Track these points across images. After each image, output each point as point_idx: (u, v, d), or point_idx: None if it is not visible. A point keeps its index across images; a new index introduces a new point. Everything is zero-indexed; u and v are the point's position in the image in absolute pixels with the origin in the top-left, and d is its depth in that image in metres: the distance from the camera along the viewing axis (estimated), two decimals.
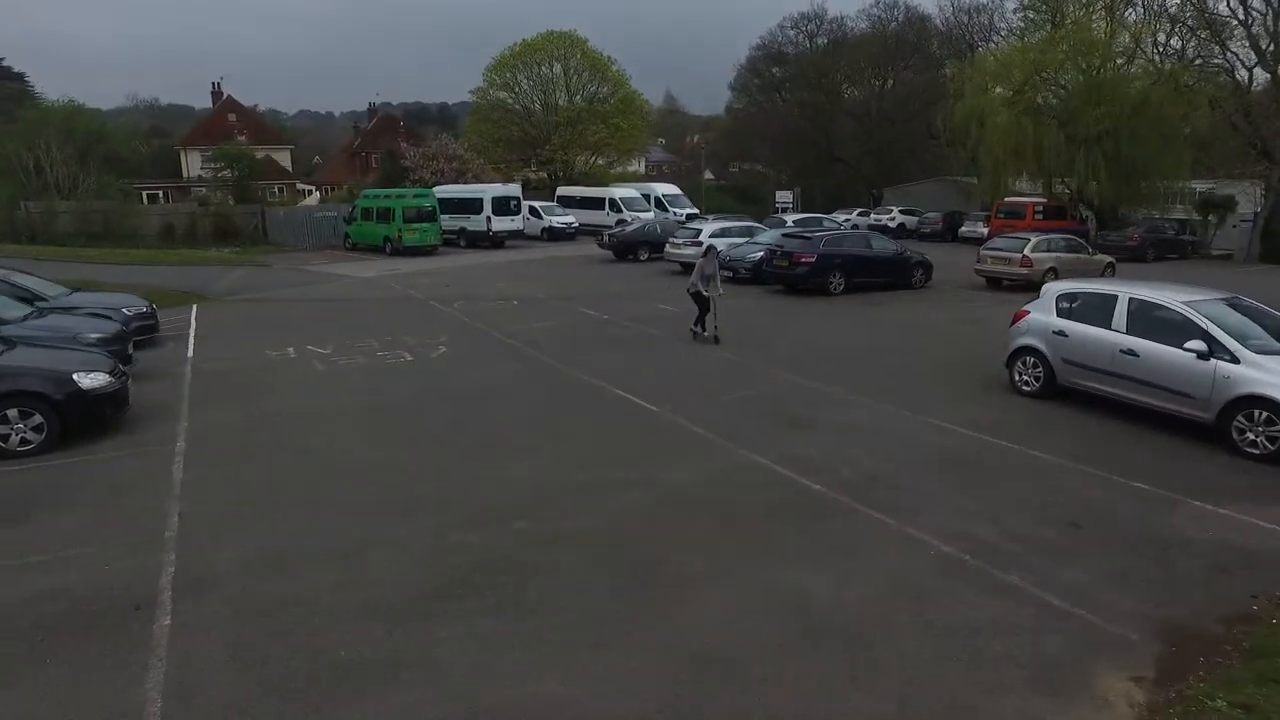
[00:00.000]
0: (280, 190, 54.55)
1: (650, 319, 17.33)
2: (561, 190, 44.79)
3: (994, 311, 17.26)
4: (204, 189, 43.46)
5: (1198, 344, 8.94)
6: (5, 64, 68.06)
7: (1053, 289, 11.11)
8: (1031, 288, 15.87)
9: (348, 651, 5.15)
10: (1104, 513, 7.22)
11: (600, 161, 53.43)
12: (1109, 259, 23.16)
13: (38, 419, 8.89)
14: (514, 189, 38.00)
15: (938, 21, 54.81)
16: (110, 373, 9.75)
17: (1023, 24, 43.07)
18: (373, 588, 5.97)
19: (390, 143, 53.00)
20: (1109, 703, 4.58)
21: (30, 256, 27.63)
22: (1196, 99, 32.98)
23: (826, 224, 29.41)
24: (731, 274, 22.93)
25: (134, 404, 10.54)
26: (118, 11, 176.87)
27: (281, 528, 6.99)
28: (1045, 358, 10.76)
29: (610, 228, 32.78)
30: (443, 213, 34.49)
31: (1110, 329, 9.96)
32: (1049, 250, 21.56)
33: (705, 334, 14.68)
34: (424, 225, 32.69)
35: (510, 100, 51.17)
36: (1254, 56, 33.19)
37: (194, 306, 19.94)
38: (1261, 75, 33.74)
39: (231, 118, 60.45)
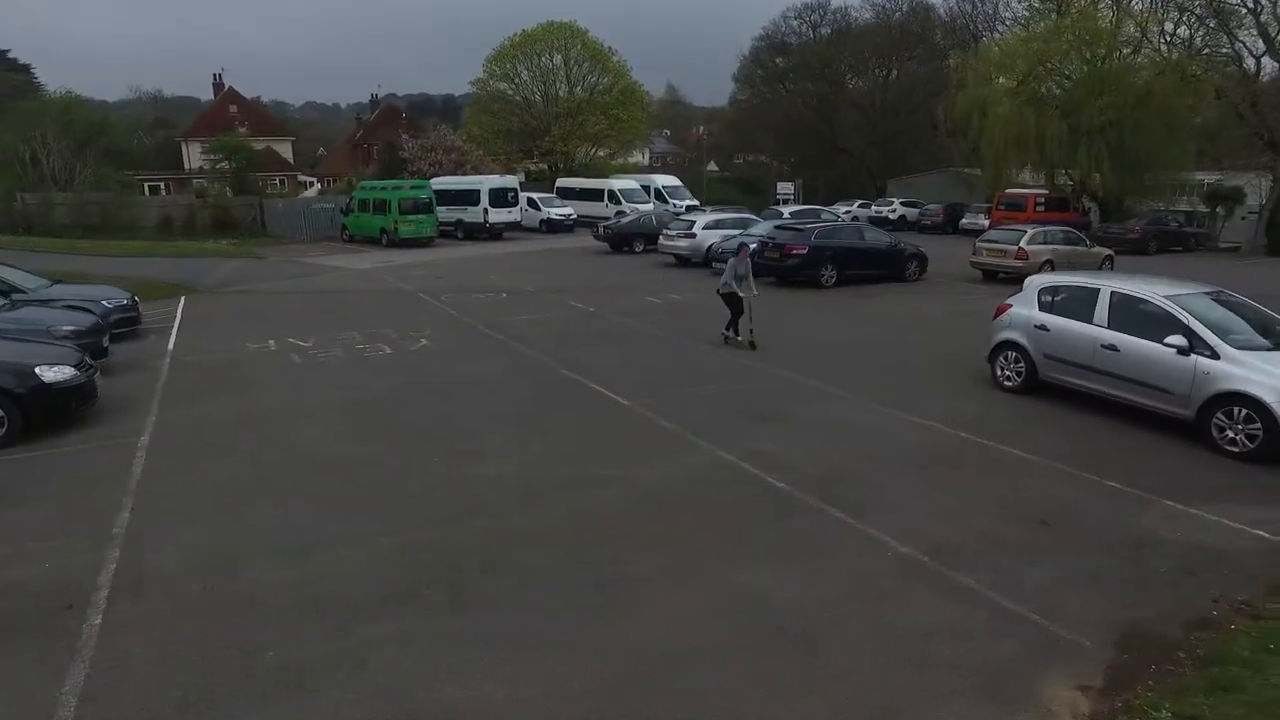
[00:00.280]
0: (282, 182, 54.55)
1: (638, 312, 17.18)
2: (561, 182, 44.58)
3: (987, 305, 16.88)
4: (203, 181, 43.42)
5: (1178, 339, 8.72)
6: (11, 56, 68.43)
7: (1035, 282, 10.90)
8: None
9: (279, 653, 5.04)
10: (1073, 512, 7.04)
11: (601, 153, 53.16)
12: (1107, 251, 22.84)
13: None
14: (511, 180, 37.85)
15: (942, 11, 54.29)
16: (76, 366, 9.66)
17: (1028, 13, 42.66)
18: (319, 587, 5.85)
19: (392, 134, 52.86)
20: (1052, 712, 4.42)
21: (25, 248, 27.69)
22: (1202, 88, 32.50)
23: (824, 216, 29.15)
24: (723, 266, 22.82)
25: (104, 397, 10.48)
26: (121, 8, 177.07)
27: (234, 524, 6.89)
28: (1027, 352, 10.55)
29: (609, 219, 32.61)
30: (440, 204, 34.38)
31: (1092, 323, 9.75)
32: (1045, 242, 21.28)
33: (739, 338, 13.62)
34: (420, 217, 32.57)
35: (510, 91, 50.92)
36: (1262, 45, 32.68)
37: (182, 299, 19.90)
38: (1270, 65, 33.28)
39: (233, 109, 60.41)
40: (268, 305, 19.25)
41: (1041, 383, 10.50)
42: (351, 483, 7.82)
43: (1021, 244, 20.85)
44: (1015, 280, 20.19)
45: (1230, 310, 9.43)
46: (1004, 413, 10.08)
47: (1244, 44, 33.49)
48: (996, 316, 11.16)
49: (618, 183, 41.14)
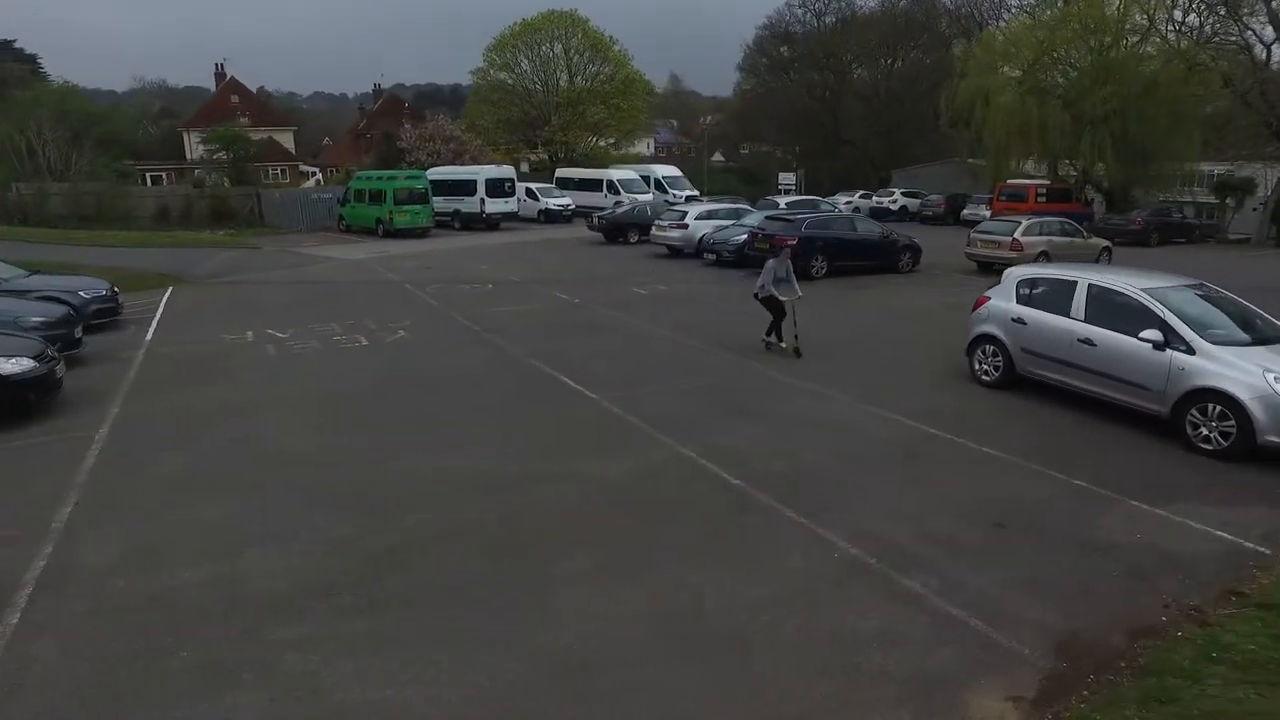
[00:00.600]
0: (283, 172, 54.48)
1: (622, 303, 16.99)
2: (560, 172, 44.31)
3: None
4: (202, 171, 43.38)
5: (1153, 333, 8.47)
6: (17, 46, 68.58)
7: (1013, 274, 10.65)
8: None
9: (192, 653, 4.93)
10: (1033, 513, 6.83)
11: (602, 143, 52.81)
12: (1104, 243, 22.47)
13: None
14: (508, 170, 37.63)
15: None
16: (36, 358, 9.56)
17: (1034, 0, 41.96)
18: (243, 584, 5.73)
19: (394, 124, 52.67)
20: None
21: (19, 238, 27.71)
22: (1209, 77, 31.89)
23: (822, 207, 28.80)
24: (715, 257, 22.58)
25: (70, 389, 10.41)
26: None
27: (172, 520, 6.77)
28: (1005, 346, 10.31)
29: (607, 210, 32.36)
30: (437, 195, 34.21)
31: (1069, 316, 9.50)
32: (1041, 234, 20.94)
33: (782, 344, 12.51)
34: (416, 207, 32.40)
35: (510, 81, 50.60)
36: (1273, 33, 32.02)
37: (169, 289, 19.83)
38: None
39: (234, 99, 60.30)
40: (254, 296, 19.15)
41: (1020, 378, 10.27)
42: (298, 478, 7.69)
43: (1016, 235, 20.52)
44: None
45: (1211, 304, 9.17)
46: (979, 408, 9.86)
47: (1254, 31, 32.87)
48: (975, 309, 10.92)
49: (616, 173, 40.85)
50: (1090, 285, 9.42)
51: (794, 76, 57.73)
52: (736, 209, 25.53)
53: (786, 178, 46.20)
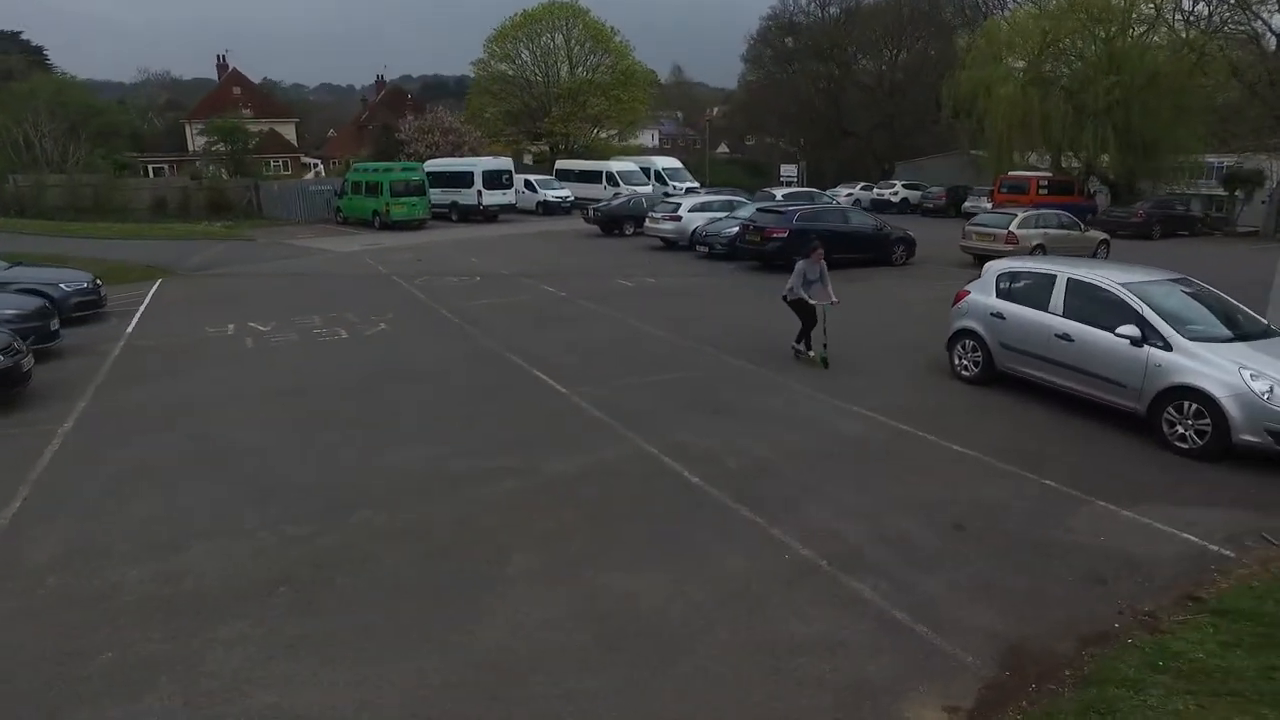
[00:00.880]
0: (285, 164, 54.45)
1: (606, 296, 16.83)
2: (560, 164, 44.09)
3: None
4: (199, 163, 43.35)
5: (1130, 329, 8.26)
6: (23, 37, 68.73)
7: (993, 268, 10.44)
8: None
9: (116, 654, 4.83)
10: (996, 513, 6.66)
11: (603, 135, 52.51)
12: (1102, 236, 22.13)
13: None
14: (506, 162, 37.43)
15: None
16: (3, 350, 9.49)
17: None
18: (183, 582, 5.64)
19: (396, 115, 52.51)
20: None
21: (15, 230, 27.72)
22: (1216, 67, 31.36)
23: (819, 199, 28.51)
24: (707, 249, 22.38)
25: (41, 381, 10.37)
26: None
27: (122, 516, 6.68)
28: (984, 341, 10.11)
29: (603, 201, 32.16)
30: (434, 186, 34.08)
31: (1047, 311, 9.30)
32: (1037, 226, 20.63)
33: (810, 354, 11.50)
34: (412, 199, 32.27)
35: (511, 72, 50.34)
36: None
37: (157, 281, 19.80)
38: None
39: (236, 91, 60.26)
40: (242, 288, 19.08)
41: (1001, 374, 10.07)
42: (255, 473, 7.59)
43: (1011, 228, 20.22)
44: None
45: (1193, 299, 8.95)
46: (955, 405, 9.67)
47: (1264, 20, 32.31)
48: (955, 303, 10.72)
49: (616, 165, 40.60)
50: (1069, 279, 9.20)
51: (798, 68, 57.22)
52: (730, 201, 25.28)
53: (788, 169, 45.86)
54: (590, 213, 29.55)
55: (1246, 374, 7.45)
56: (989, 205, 31.77)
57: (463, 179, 35.13)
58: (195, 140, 54.19)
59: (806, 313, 11.54)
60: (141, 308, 16.42)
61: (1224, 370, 7.59)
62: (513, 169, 36.81)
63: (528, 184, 38.77)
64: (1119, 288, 8.66)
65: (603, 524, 6.49)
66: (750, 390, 10.17)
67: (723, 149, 75.00)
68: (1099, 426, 8.73)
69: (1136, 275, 9.16)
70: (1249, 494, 6.98)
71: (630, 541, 6.21)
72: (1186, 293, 9.00)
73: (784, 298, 11.71)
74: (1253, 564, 5.72)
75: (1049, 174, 33.11)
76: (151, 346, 12.97)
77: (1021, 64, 34.47)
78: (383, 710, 4.35)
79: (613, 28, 50.25)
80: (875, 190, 41.71)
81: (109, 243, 26.65)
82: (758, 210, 21.33)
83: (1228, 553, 5.94)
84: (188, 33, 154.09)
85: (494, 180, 35.16)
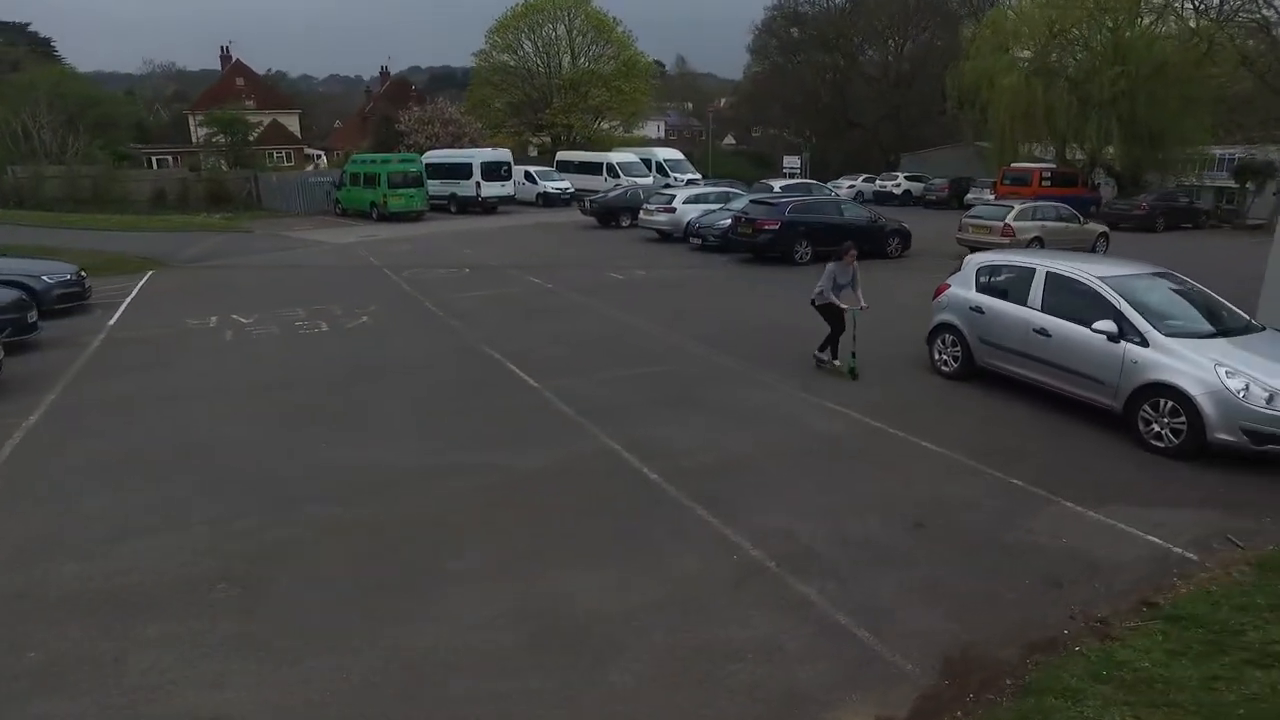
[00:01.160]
0: (287, 155, 54.44)
1: (594, 288, 16.69)
2: (561, 155, 43.87)
3: None
4: (201, 154, 43.39)
5: (1107, 324, 8.05)
6: (31, 29, 68.98)
7: (973, 261, 10.22)
8: None
9: (40, 653, 4.75)
10: (958, 513, 6.49)
11: (605, 126, 52.21)
12: (1101, 229, 21.79)
13: None
14: (504, 154, 37.25)
15: None
16: None
17: None
18: (123, 578, 5.56)
19: (400, 107, 52.37)
20: None
21: (12, 222, 27.82)
22: (1225, 56, 30.79)
23: (816, 190, 28.21)
24: (700, 241, 22.18)
25: (13, 374, 10.34)
26: None
27: (72, 511, 6.61)
28: (963, 336, 9.92)
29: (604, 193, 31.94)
30: (432, 178, 33.97)
31: (1026, 306, 9.09)
32: (1034, 219, 20.34)
33: (836, 363, 10.69)
34: (409, 191, 32.18)
35: (512, 63, 50.08)
36: None
37: (148, 273, 19.76)
38: None
39: (239, 82, 60.25)
40: (231, 280, 19.03)
41: (981, 369, 9.88)
42: (209, 468, 7.50)
43: (1007, 220, 19.94)
44: None
45: (1175, 294, 8.73)
46: (931, 400, 9.50)
47: (1276, 9, 31.68)
48: (936, 297, 10.52)
49: (616, 156, 40.36)
50: (1048, 273, 8.99)
51: (803, 58, 56.72)
52: (726, 193, 25.04)
53: (791, 161, 45.47)
54: (587, 204, 29.38)
55: (1222, 371, 7.24)
56: (992, 197, 31.41)
57: (461, 170, 35.00)
58: (197, 132, 54.26)
59: (835, 318, 10.72)
60: (128, 299, 16.38)
61: (1200, 367, 7.38)
62: (511, 160, 36.62)
63: (527, 175, 38.61)
64: (1097, 282, 8.45)
65: (555, 522, 6.37)
66: (726, 385, 10.00)
67: (729, 140, 74.58)
68: (1076, 424, 8.53)
69: (1117, 269, 8.94)
70: (1219, 494, 6.79)
71: (580, 540, 6.09)
72: (1170, 287, 8.78)
73: (812, 302, 10.95)
74: (1215, 568, 5.54)
75: (1053, 166, 32.67)
76: (131, 338, 12.92)
77: (1027, 54, 34.00)
78: (292, 711, 4.24)
79: (615, 19, 49.99)
80: (877, 182, 41.33)
81: (107, 234, 26.72)
82: (750, 202, 21.11)
83: (1191, 556, 5.76)
84: (196, 24, 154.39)
85: (492, 172, 35.01)
